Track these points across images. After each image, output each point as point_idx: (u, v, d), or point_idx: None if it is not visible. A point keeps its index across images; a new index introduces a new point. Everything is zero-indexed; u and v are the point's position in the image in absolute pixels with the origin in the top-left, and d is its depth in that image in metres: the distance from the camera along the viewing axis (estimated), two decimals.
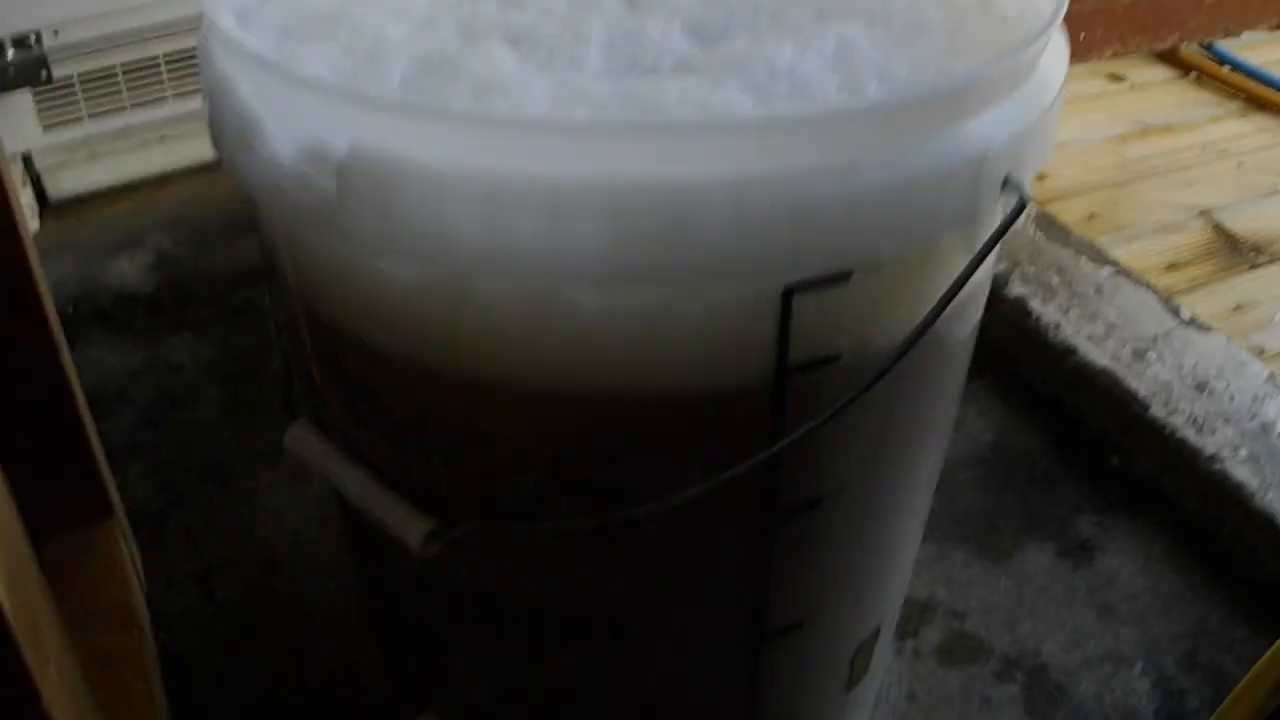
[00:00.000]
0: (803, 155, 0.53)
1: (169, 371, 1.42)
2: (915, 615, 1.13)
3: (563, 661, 0.77)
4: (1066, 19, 0.65)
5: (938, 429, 0.79)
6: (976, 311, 0.75)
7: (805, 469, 0.67)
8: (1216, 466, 1.16)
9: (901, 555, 0.85)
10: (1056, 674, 1.08)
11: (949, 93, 0.57)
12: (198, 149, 1.71)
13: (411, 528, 0.67)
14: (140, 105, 1.65)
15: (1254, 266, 1.55)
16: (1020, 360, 1.39)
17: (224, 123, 0.61)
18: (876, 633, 0.88)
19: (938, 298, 0.59)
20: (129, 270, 1.56)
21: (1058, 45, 0.66)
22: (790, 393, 0.61)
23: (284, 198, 0.59)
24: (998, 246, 0.61)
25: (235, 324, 1.48)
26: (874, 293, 0.61)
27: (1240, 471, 1.15)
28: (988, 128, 0.58)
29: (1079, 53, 1.88)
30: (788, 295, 0.58)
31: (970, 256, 0.60)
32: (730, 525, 0.68)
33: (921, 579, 1.16)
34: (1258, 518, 1.12)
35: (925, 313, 0.59)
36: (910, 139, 0.55)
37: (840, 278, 0.58)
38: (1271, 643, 0.68)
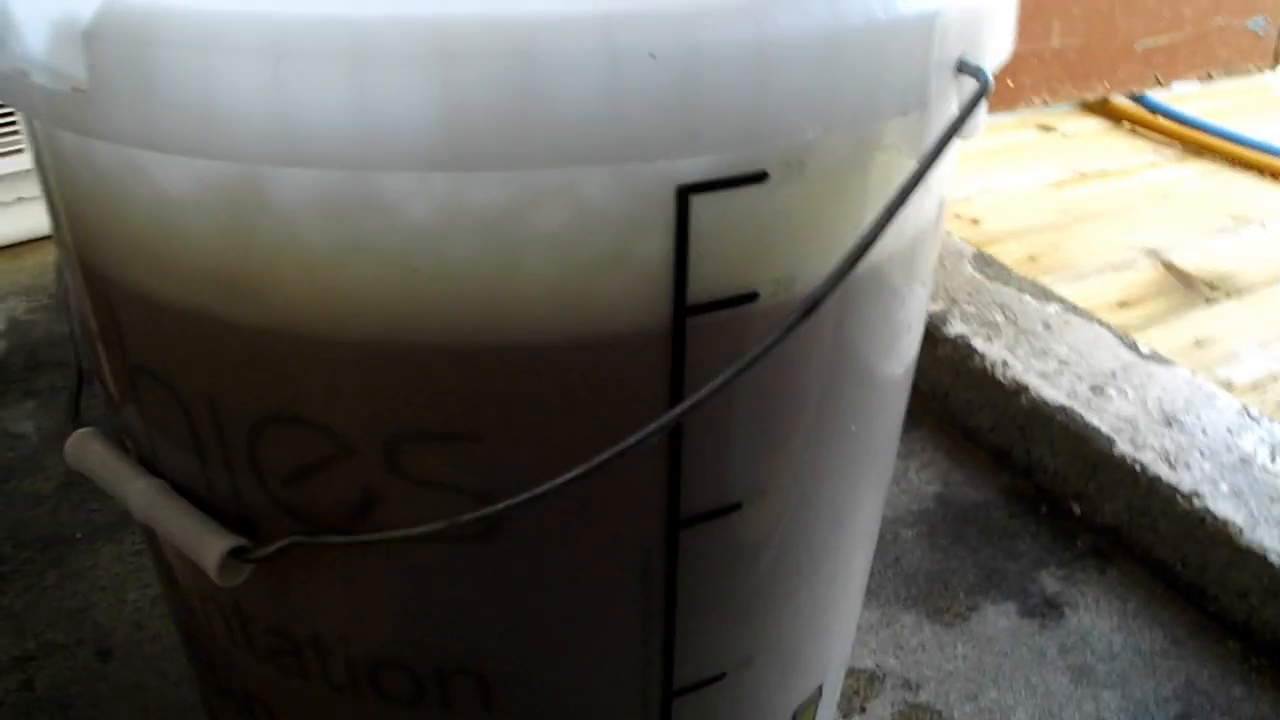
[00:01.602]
0: None
1: (9, 441, 1.25)
2: (861, 688, 0.97)
3: None
4: None
5: (886, 416, 0.65)
6: (930, 252, 0.61)
7: (715, 457, 0.52)
8: (1196, 504, 1.02)
9: (846, 584, 0.70)
10: None
11: None
12: None
13: (209, 547, 0.51)
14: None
15: (1210, 302, 1.43)
16: (964, 404, 1.25)
17: None
18: (818, 694, 0.72)
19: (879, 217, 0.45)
20: None
21: None
22: (693, 343, 0.47)
23: (36, 95, 0.44)
24: (954, 149, 0.47)
25: (88, 391, 1.32)
26: (799, 205, 0.46)
27: (1223, 507, 1.01)
28: None
29: (1008, 100, 1.77)
30: (683, 198, 0.43)
31: (918, 162, 0.46)
32: (619, 536, 0.53)
33: (867, 646, 1.01)
34: (1247, 556, 0.98)
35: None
36: None
37: (752, 178, 0.44)
38: (1274, 699, 0.52)
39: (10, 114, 1.51)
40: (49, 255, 1.58)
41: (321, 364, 0.46)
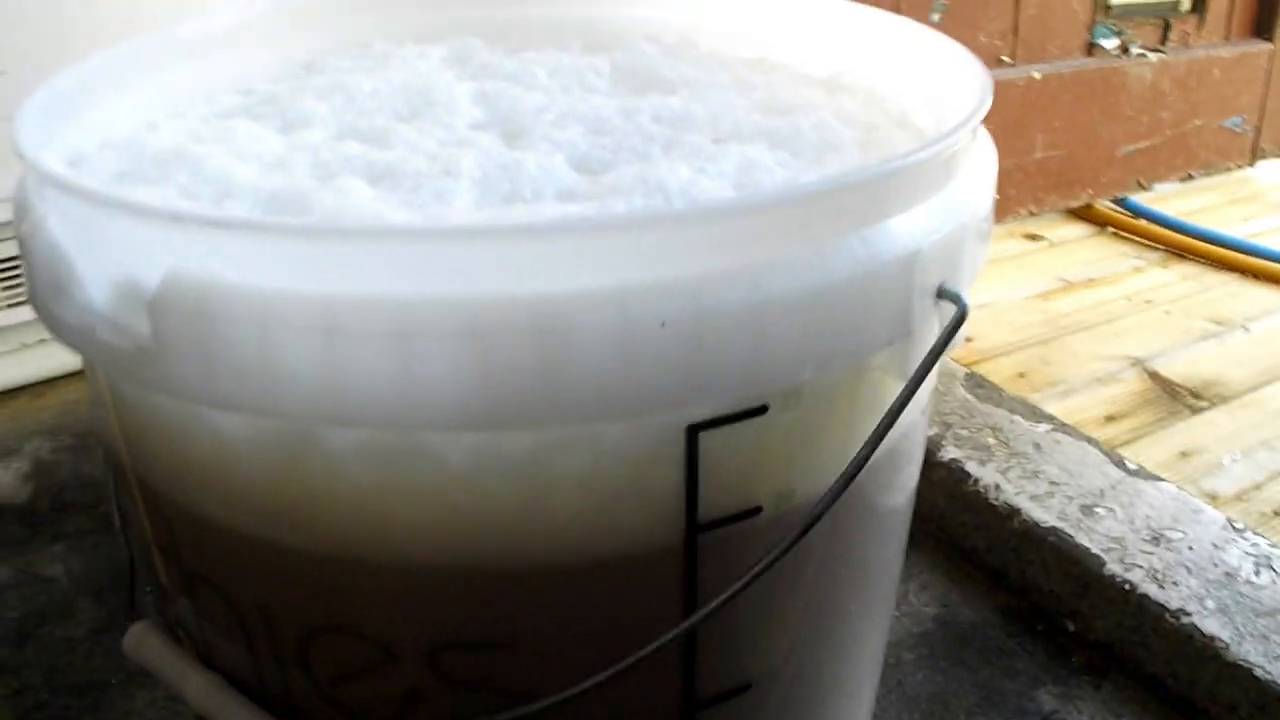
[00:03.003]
0: (699, 260, 0.45)
1: (41, 585, 1.29)
2: None
3: None
4: None
5: (882, 594, 0.70)
6: (918, 449, 0.66)
7: (728, 648, 0.57)
8: (1184, 621, 1.07)
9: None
10: None
11: (862, 182, 0.49)
12: None
13: None
14: (14, 305, 1.55)
15: (1195, 412, 1.48)
16: (960, 526, 1.30)
17: (35, 267, 0.52)
18: None
19: (871, 431, 0.50)
20: (3, 479, 1.45)
21: (984, 150, 0.59)
22: (704, 555, 0.52)
23: (101, 347, 0.49)
24: (937, 368, 0.52)
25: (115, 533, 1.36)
26: (796, 429, 0.52)
27: (1210, 624, 1.05)
28: (913, 228, 0.50)
29: (995, 213, 1.83)
30: (692, 435, 0.48)
31: (905, 381, 0.51)
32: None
33: None
34: (1235, 671, 1.02)
35: (858, 449, 0.50)
36: (825, 239, 0.47)
37: (754, 412, 0.49)
38: None
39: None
40: (71, 394, 1.61)
41: (369, 584, 0.51)
